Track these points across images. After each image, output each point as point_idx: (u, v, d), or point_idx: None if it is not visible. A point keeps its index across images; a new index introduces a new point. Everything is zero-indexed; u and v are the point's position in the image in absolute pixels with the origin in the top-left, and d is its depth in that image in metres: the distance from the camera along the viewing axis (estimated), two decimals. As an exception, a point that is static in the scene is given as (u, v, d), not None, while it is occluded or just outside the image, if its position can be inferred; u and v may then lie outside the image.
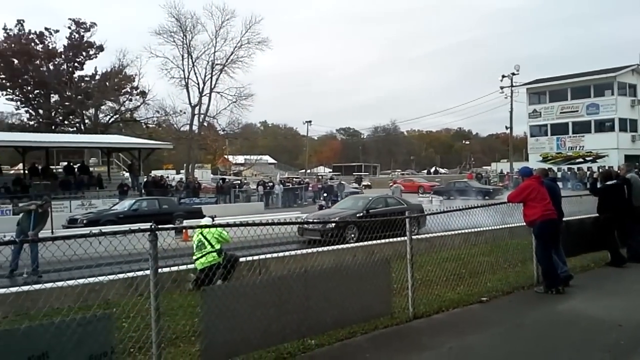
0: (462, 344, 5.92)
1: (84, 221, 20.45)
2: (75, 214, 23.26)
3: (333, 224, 15.78)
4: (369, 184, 54.37)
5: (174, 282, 7.39)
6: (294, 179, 51.64)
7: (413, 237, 7.08)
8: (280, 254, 7.91)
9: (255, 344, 5.18)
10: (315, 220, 16.98)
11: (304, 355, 5.50)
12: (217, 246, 8.75)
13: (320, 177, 55.95)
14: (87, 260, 4.82)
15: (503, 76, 52.71)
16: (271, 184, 40.42)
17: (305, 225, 15.63)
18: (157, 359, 4.49)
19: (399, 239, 7.60)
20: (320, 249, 7.93)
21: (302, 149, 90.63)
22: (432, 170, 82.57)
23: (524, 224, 8.46)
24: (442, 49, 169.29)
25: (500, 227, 9.33)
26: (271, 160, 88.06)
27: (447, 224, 8.87)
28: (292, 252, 7.20)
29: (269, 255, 8.19)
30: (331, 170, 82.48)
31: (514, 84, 53.31)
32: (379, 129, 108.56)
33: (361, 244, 8.89)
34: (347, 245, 9.47)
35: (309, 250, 7.75)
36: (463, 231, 10.23)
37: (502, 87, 52.88)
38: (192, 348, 5.45)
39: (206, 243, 8.79)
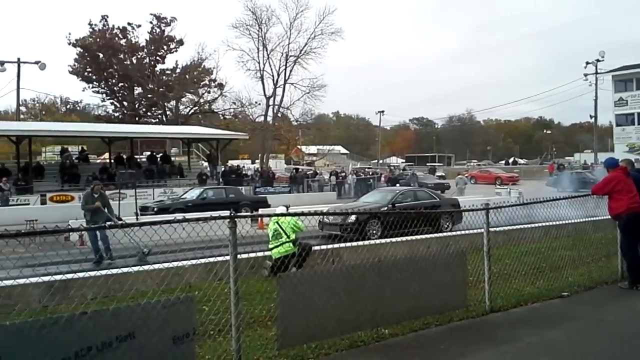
0: (541, 339, 5.76)
1: (155, 209, 21.19)
2: (148, 201, 24.09)
3: (353, 218, 14.57)
4: (444, 174, 53.28)
5: (251, 269, 7.62)
6: (366, 169, 51.54)
7: (490, 229, 6.92)
8: (354, 244, 7.96)
9: (329, 331, 5.27)
10: (333, 212, 15.05)
11: (378, 344, 5.53)
12: (293, 236, 8.93)
13: (392, 167, 55.44)
14: (171, 245, 5.07)
15: (587, 63, 50.10)
16: (343, 174, 40.52)
17: (325, 219, 14.37)
18: (236, 342, 4.67)
19: (475, 230, 7.44)
20: (393, 240, 7.90)
21: (374, 140, 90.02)
22: (511, 160, 79.79)
23: (609, 217, 8.07)
24: (523, 35, 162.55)
25: (583, 220, 8.94)
26: (343, 150, 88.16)
27: (513, 219, 8.40)
28: (366, 242, 7.23)
29: (342, 245, 8.27)
30: (404, 160, 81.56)
31: (598, 71, 50.52)
32: (454, 119, 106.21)
33: (436, 235, 8.79)
34: (422, 237, 9.34)
35: (382, 241, 7.76)
36: (544, 224, 9.89)
37: (585, 75, 50.36)
38: (269, 332, 5.61)
39: (282, 233, 8.99)
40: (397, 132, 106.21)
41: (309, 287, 5.05)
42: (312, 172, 44.28)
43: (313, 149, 73.82)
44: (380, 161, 76.66)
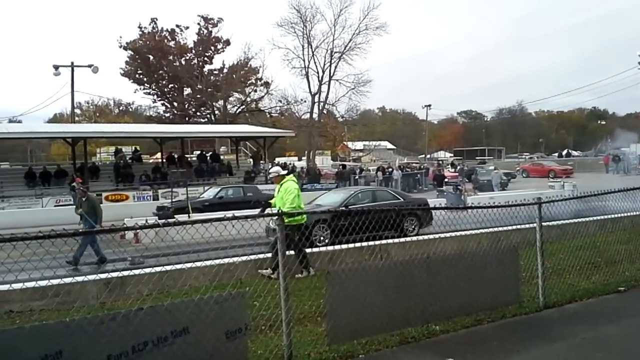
0: (596, 334, 5.60)
1: (171, 209, 20.89)
2: (164, 201, 24.11)
3: None
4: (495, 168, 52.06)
5: (300, 264, 7.69)
6: (413, 164, 51.01)
7: (543, 223, 6.74)
8: (402, 240, 7.92)
9: (379, 327, 5.27)
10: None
11: (429, 340, 5.50)
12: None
13: (440, 162, 54.69)
14: (222, 242, 5.17)
15: (642, 50, 47.81)
16: (390, 169, 40.27)
17: (271, 224, 11.87)
18: (287, 337, 4.73)
19: (527, 225, 7.27)
20: (442, 235, 7.82)
21: (421, 134, 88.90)
22: (564, 153, 77.29)
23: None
24: (576, 24, 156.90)
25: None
26: (390, 145, 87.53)
27: (567, 212, 8.09)
28: (414, 238, 7.18)
29: (390, 241, 8.23)
30: (452, 154, 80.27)
31: (653, 59, 48.08)
32: (504, 111, 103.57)
33: (486, 230, 8.62)
34: (472, 232, 9.20)
35: (431, 236, 7.69)
36: (599, 218, 9.56)
37: (640, 63, 48.01)
38: (319, 328, 5.65)
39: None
40: (444, 126, 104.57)
41: (358, 284, 5.06)
42: (359, 168, 44.20)
43: (359, 144, 73.61)
44: (428, 156, 75.73)
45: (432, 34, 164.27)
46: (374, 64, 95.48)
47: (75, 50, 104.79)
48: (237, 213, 5.07)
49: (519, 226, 7.52)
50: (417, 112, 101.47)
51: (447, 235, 8.00)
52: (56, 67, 38.08)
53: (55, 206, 25.06)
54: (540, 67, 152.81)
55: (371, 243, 7.96)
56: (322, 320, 5.53)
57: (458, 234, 8.70)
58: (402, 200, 15.80)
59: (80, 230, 4.09)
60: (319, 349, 5.09)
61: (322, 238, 12.95)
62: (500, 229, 8.32)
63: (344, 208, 13.57)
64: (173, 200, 24.10)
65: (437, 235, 7.92)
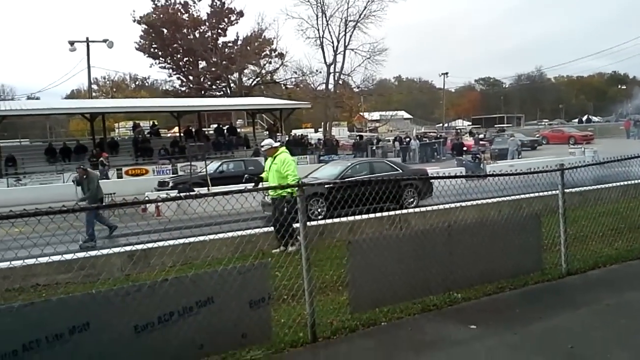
0: (620, 300, 5.57)
1: (170, 184, 21.07)
2: (166, 177, 24.22)
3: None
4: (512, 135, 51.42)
5: (320, 235, 7.72)
6: (431, 134, 50.61)
7: (565, 190, 6.66)
8: (422, 209, 7.89)
9: (400, 295, 5.30)
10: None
11: (451, 308, 5.52)
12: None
13: (458, 131, 54.14)
14: (243, 214, 5.20)
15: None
16: (407, 139, 40.02)
17: (266, 199, 11.97)
18: (309, 306, 4.78)
19: (550, 192, 7.19)
20: (463, 204, 7.77)
21: (438, 103, 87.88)
22: (584, 119, 76.00)
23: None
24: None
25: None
26: (407, 115, 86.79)
27: (589, 179, 7.93)
28: (434, 207, 7.15)
29: (410, 210, 8.21)
30: (470, 123, 79.40)
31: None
32: (523, 77, 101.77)
33: (508, 198, 8.54)
34: (493, 200, 9.14)
35: (451, 205, 7.62)
36: (621, 183, 9.42)
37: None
38: (341, 297, 5.70)
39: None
40: (462, 94, 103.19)
41: (379, 253, 5.07)
42: (376, 138, 43.98)
43: (376, 115, 73.14)
44: (445, 124, 75.04)
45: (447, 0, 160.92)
46: (389, 32, 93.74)
47: (90, 25, 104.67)
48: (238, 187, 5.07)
49: (540, 193, 7.45)
50: (434, 80, 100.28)
51: (468, 204, 7.94)
52: (71, 43, 38.17)
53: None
54: (558, 32, 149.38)
55: (391, 213, 7.96)
56: (344, 289, 5.57)
57: (479, 202, 8.64)
58: (400, 171, 15.39)
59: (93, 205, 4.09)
60: (342, 317, 5.14)
61: (319, 210, 12.83)
62: (522, 196, 8.25)
63: (339, 181, 12.29)
64: (176, 175, 24.19)
65: (457, 204, 7.87)
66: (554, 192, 6.84)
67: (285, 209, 7.92)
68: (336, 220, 9.06)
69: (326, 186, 11.59)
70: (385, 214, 8.33)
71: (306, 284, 4.79)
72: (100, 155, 27.04)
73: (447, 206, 7.38)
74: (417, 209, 8.51)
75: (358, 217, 7.27)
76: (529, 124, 78.76)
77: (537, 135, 47.29)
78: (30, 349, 3.48)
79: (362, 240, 5.20)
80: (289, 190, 8.03)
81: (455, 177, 5.92)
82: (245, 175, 10.27)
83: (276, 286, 5.21)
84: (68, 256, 7.06)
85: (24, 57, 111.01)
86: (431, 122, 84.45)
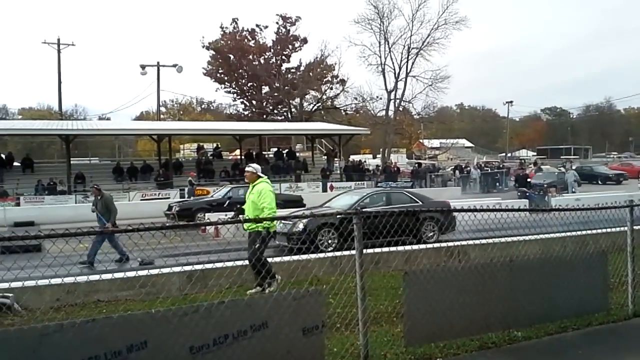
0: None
1: (177, 208, 20.68)
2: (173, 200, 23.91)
3: (301, 226, 12.35)
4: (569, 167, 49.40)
5: (377, 264, 7.64)
6: (493, 163, 49.47)
7: (635, 227, 6.33)
8: (483, 241, 7.68)
9: (458, 330, 5.14)
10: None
11: (510, 346, 5.31)
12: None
13: (522, 161, 52.65)
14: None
15: None
16: (468, 168, 39.26)
17: (278, 229, 11.17)
18: (363, 336, 4.71)
19: (617, 229, 6.85)
20: (526, 237, 7.52)
21: (501, 132, 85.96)
22: (657, 153, 72.35)
23: None
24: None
25: None
26: (468, 143, 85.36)
27: None
28: (495, 240, 6.94)
29: (470, 242, 8.01)
30: (535, 153, 77.12)
31: None
32: (591, 108, 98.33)
33: (573, 233, 8.21)
34: (556, 235, 8.80)
35: (513, 239, 7.41)
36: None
37: None
38: (395, 328, 5.59)
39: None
40: (526, 123, 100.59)
41: (436, 285, 4.96)
42: (437, 166, 43.38)
43: (436, 142, 72.28)
44: (509, 154, 73.19)
45: (513, 28, 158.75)
46: (452, 60, 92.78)
47: (161, 51, 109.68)
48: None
49: (607, 230, 7.11)
50: (498, 109, 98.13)
51: (531, 237, 7.67)
52: (143, 67, 40.14)
53: (141, 200, 26.33)
54: (629, 62, 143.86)
55: (450, 243, 7.79)
56: (399, 320, 5.47)
57: (542, 236, 8.33)
58: (419, 203, 14.68)
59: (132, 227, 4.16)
60: (396, 350, 5.03)
61: (329, 242, 12.48)
62: (588, 232, 7.91)
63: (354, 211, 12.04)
64: (180, 201, 23.46)
65: (520, 238, 7.62)
66: (622, 228, 6.52)
67: (257, 245, 7.56)
68: (392, 249, 8.94)
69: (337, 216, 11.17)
70: (443, 244, 8.20)
71: (360, 314, 4.73)
72: (190, 174, 27.62)
73: (508, 239, 7.16)
74: (477, 241, 8.28)
75: (415, 247, 7.17)
76: (597, 156, 75.77)
77: (606, 168, 45.34)
78: (89, 365, 3.54)
79: (420, 272, 5.10)
80: (266, 224, 7.63)
81: (481, 210, 5.62)
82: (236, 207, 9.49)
83: (330, 313, 5.17)
84: (131, 274, 7.28)
85: (98, 80, 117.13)
86: (494, 152, 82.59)
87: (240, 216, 7.91)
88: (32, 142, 47.02)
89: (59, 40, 41.45)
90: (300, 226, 12.44)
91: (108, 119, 55.99)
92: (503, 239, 7.08)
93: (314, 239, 11.97)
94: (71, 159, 30.57)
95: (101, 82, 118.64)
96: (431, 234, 13.72)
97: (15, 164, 30.52)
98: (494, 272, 5.37)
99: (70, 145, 29.76)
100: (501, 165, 43.89)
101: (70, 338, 3.51)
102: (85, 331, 3.57)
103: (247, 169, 8.61)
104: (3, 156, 29.48)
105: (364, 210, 4.84)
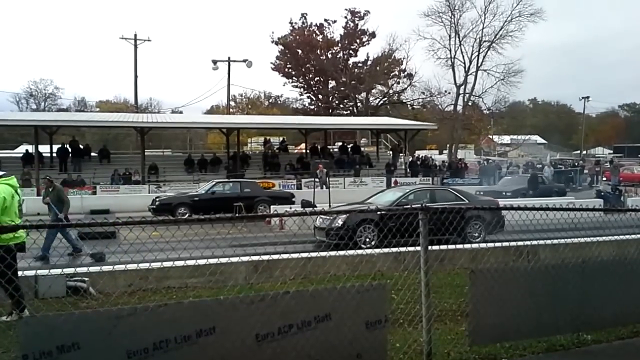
0: None
1: (157, 202, 20.44)
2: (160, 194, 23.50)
3: (340, 222, 12.20)
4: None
5: (441, 261, 7.55)
6: (567, 161, 47.54)
7: None
8: (554, 241, 7.43)
9: (525, 331, 5.03)
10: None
11: (579, 350, 5.15)
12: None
13: (599, 159, 50.27)
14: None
15: None
16: (540, 165, 37.92)
17: (317, 224, 12.03)
18: (426, 333, 4.68)
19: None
20: (600, 239, 7.22)
21: (576, 128, 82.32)
22: None
23: None
24: None
25: None
26: (540, 140, 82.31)
27: None
28: (568, 240, 6.71)
29: (541, 242, 7.77)
30: (611, 151, 73.44)
31: None
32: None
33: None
34: (632, 237, 8.40)
35: (587, 240, 7.12)
36: None
37: None
38: (459, 327, 5.53)
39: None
40: (603, 119, 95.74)
41: (504, 285, 4.85)
42: (506, 163, 42.14)
43: (506, 138, 70.15)
44: (584, 152, 70.04)
45: (590, 21, 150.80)
46: (526, 53, 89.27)
47: (232, 46, 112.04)
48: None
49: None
50: (574, 104, 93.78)
51: (605, 239, 7.36)
52: (215, 62, 41.17)
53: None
54: None
55: (520, 243, 7.58)
56: (463, 319, 5.41)
57: (617, 238, 7.96)
58: (466, 201, 14.27)
59: (192, 217, 4.30)
60: (459, 349, 4.98)
61: (368, 239, 12.37)
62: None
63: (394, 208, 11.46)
64: (163, 195, 22.99)
65: (594, 239, 7.32)
66: None
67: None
68: (459, 246, 8.82)
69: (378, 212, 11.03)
70: (512, 243, 8.00)
71: (424, 310, 4.70)
72: (317, 167, 27.90)
73: (581, 240, 6.90)
74: (547, 241, 8.03)
75: (483, 245, 7.04)
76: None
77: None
78: (160, 348, 3.70)
79: (487, 271, 5.01)
80: (2, 236, 6.23)
81: (529, 209, 5.42)
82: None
83: (393, 309, 5.17)
84: (202, 262, 7.55)
85: (172, 74, 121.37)
86: (568, 149, 79.26)
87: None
88: (109, 134, 49.24)
89: (135, 35, 43.30)
90: (340, 221, 12.37)
91: (180, 112, 57.76)
92: (575, 240, 6.84)
93: (353, 235, 11.91)
94: (145, 150, 31.82)
95: (175, 77, 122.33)
96: (477, 233, 13.36)
97: (92, 154, 32.14)
98: (566, 273, 5.21)
99: (145, 137, 30.97)
100: (576, 163, 42.09)
101: (143, 321, 3.67)
102: (157, 315, 3.74)
103: None
104: (81, 147, 31.05)
105: (427, 206, 4.74)
